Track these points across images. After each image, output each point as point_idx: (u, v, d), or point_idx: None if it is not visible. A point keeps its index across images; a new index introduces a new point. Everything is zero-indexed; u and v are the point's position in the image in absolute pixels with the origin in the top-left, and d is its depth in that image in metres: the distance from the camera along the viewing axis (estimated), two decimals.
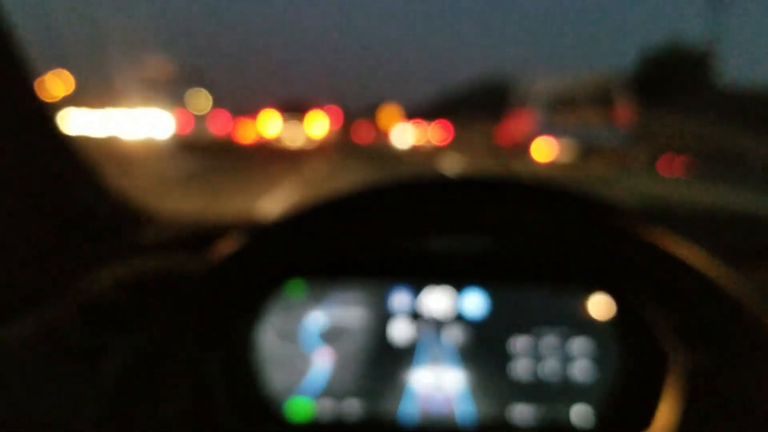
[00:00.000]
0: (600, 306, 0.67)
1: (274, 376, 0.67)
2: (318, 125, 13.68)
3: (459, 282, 0.68)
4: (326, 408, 0.67)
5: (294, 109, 14.14)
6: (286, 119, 13.64)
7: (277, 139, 13.67)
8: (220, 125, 14.33)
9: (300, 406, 0.67)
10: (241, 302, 0.34)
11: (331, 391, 0.67)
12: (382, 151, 13.53)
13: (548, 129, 10.35)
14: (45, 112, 0.67)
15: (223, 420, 0.58)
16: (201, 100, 14.78)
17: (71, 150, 0.71)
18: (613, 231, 0.34)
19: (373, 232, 0.35)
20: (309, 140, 13.41)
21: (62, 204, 0.69)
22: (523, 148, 10.95)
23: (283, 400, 0.66)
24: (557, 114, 10.65)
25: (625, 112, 10.52)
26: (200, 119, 14.02)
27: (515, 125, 11.86)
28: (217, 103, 15.57)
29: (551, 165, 10.05)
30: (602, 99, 11.33)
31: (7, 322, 0.59)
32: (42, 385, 0.57)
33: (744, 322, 0.33)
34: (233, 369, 0.64)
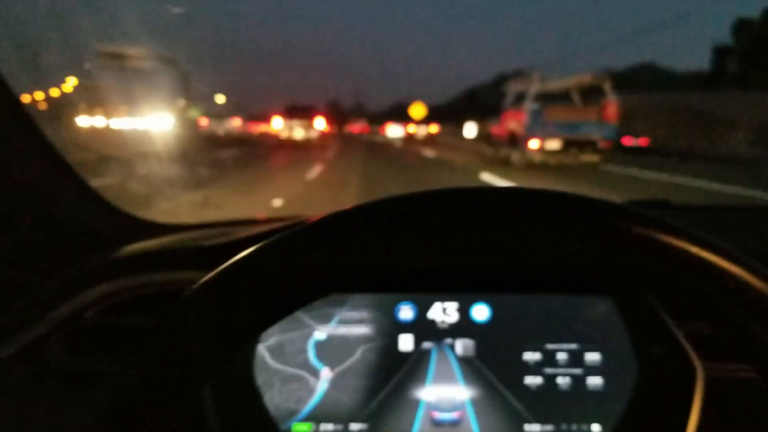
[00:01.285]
0: (613, 317, 0.65)
1: (275, 400, 0.64)
2: (317, 123, 18.69)
3: (467, 295, 0.66)
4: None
5: (299, 112, 18.77)
6: (292, 120, 18.61)
7: (287, 134, 19.19)
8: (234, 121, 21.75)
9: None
10: (241, 325, 0.31)
11: (336, 415, 0.64)
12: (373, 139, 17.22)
13: (538, 129, 10.05)
14: (31, 125, 0.64)
15: None
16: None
17: (60, 164, 0.68)
18: (624, 236, 0.31)
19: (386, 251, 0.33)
20: (310, 135, 18.29)
21: (51, 219, 0.67)
22: (514, 145, 10.79)
23: (285, 426, 0.63)
24: (547, 112, 10.28)
25: (613, 108, 10.13)
26: (216, 116, 20.38)
27: (506, 125, 11.38)
28: (232, 109, 22.96)
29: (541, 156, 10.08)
30: (591, 96, 11.21)
31: None
32: (26, 407, 0.54)
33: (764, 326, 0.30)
34: (231, 393, 0.61)
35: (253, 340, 0.60)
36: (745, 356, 0.32)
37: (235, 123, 20.80)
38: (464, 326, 0.65)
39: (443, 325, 0.65)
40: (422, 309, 0.66)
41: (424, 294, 0.66)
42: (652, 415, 0.61)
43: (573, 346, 0.65)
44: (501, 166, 10.64)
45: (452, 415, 0.64)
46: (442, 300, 0.66)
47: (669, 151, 13.95)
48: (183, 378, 0.30)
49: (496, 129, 12.18)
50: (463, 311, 0.66)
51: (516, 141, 10.48)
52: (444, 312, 0.66)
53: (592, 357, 0.64)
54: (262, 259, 0.31)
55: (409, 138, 25.25)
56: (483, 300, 0.66)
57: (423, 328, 0.65)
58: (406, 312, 0.66)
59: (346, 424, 0.64)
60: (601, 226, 0.31)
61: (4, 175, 0.62)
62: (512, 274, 0.66)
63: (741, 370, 0.55)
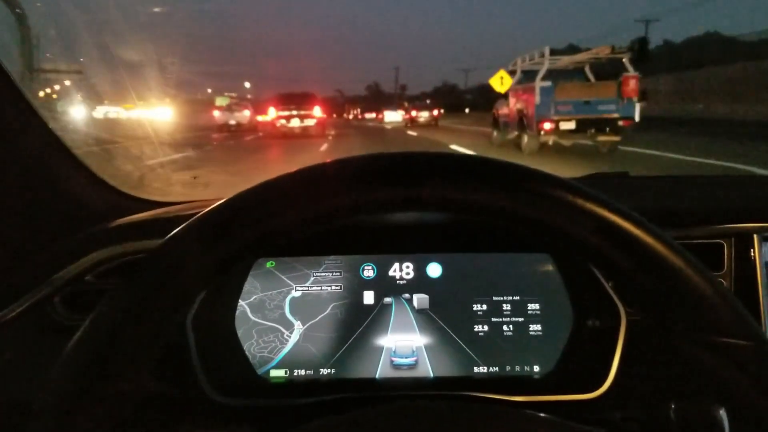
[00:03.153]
0: (551, 271, 0.72)
1: (252, 350, 0.71)
2: (316, 111, 16.62)
3: (421, 255, 0.74)
4: (302, 378, 0.72)
5: (295, 100, 16.71)
6: (287, 108, 16.58)
7: (282, 124, 17.34)
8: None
9: (276, 378, 0.72)
10: (197, 277, 0.35)
11: (306, 362, 0.72)
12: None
13: (550, 108, 8.91)
14: (28, 107, 0.70)
15: (200, 389, 0.64)
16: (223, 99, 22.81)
17: (57, 142, 0.75)
18: (544, 200, 0.35)
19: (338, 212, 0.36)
20: (306, 124, 16.60)
21: (49, 194, 0.74)
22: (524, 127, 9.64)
23: (261, 371, 0.71)
24: (559, 90, 9.05)
25: (633, 84, 8.78)
26: (225, 109, 20.23)
27: (515, 105, 10.20)
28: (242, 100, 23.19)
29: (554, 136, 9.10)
30: (608, 71, 9.87)
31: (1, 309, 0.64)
32: (32, 358, 0.64)
33: (678, 284, 0.34)
34: (214, 342, 0.68)
35: (209, 282, 0.62)
36: (633, 302, 0.40)
37: (245, 114, 20.50)
38: (420, 282, 0.73)
39: (402, 282, 0.73)
40: (382, 268, 0.74)
41: (384, 255, 0.74)
42: (584, 355, 0.69)
43: (516, 297, 0.72)
44: (511, 149, 9.90)
45: (410, 360, 0.72)
46: (400, 261, 0.74)
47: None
48: (157, 310, 0.35)
49: (503, 110, 11.15)
50: (419, 269, 0.74)
51: (526, 122, 9.49)
52: (401, 270, 0.74)
53: (533, 306, 0.72)
54: (202, 224, 0.36)
55: (411, 121, 24.35)
56: (435, 259, 0.74)
57: (383, 285, 0.73)
58: (368, 271, 0.74)
59: (316, 370, 0.72)
60: (513, 187, 0.35)
61: (13, 156, 0.69)
62: (461, 236, 0.73)
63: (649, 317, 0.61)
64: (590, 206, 0.34)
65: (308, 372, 0.72)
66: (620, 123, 8.92)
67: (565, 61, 10.00)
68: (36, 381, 0.52)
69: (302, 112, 16.44)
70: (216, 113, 20.13)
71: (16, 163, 0.69)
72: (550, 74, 9.46)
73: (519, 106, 9.98)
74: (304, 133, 16.25)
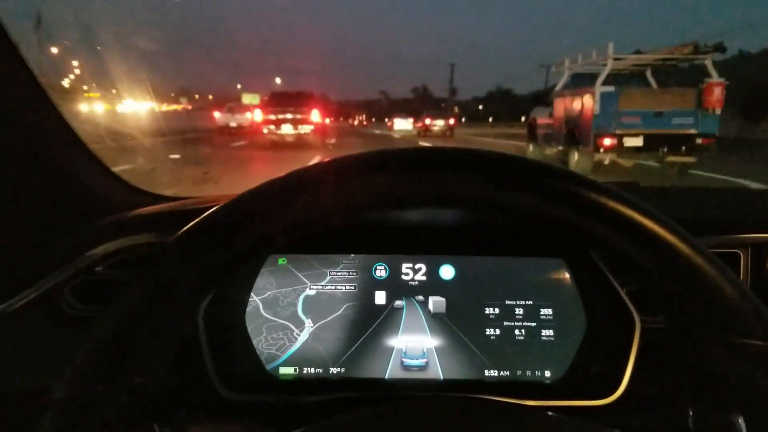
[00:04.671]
0: (564, 276, 0.72)
1: (260, 346, 0.71)
2: (314, 116, 12.79)
3: (434, 257, 0.73)
4: (312, 376, 0.71)
5: (288, 101, 13.02)
6: (279, 112, 12.73)
7: (271, 130, 13.49)
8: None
9: (285, 375, 0.71)
10: (216, 269, 0.35)
11: (314, 361, 0.71)
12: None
13: (612, 119, 7.07)
14: (43, 97, 0.70)
15: (211, 384, 0.64)
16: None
17: (72, 135, 0.75)
18: (565, 199, 0.35)
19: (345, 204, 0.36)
20: (301, 131, 12.75)
21: (62, 186, 0.74)
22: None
23: (269, 368, 0.71)
24: (626, 98, 7.15)
25: (719, 92, 6.90)
26: (226, 110, 18.88)
27: (562, 114, 8.38)
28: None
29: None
30: (675, 78, 8.23)
31: (9, 298, 0.64)
32: (41, 347, 0.64)
33: (704, 286, 0.34)
34: (224, 336, 0.68)
35: (222, 278, 0.61)
36: (656, 307, 0.37)
37: (247, 116, 19.44)
38: (433, 284, 0.73)
39: (414, 283, 0.73)
40: (395, 268, 0.73)
41: (397, 255, 0.73)
42: (596, 362, 0.68)
43: (529, 302, 0.72)
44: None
45: (420, 361, 0.71)
46: (413, 261, 0.73)
47: None
48: (168, 307, 0.34)
49: (542, 119, 9.31)
50: (432, 271, 0.73)
51: (578, 136, 7.71)
52: (414, 271, 0.73)
53: (546, 311, 0.71)
54: (215, 220, 0.35)
55: (425, 130, 22.47)
56: (448, 261, 0.73)
57: (396, 285, 0.72)
58: (381, 271, 0.73)
59: (326, 368, 0.71)
60: (532, 183, 0.35)
61: (16, 142, 0.68)
62: (475, 239, 0.73)
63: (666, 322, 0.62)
64: (619, 207, 0.35)
65: (318, 370, 0.71)
66: (699, 141, 7.08)
67: (630, 61, 8.11)
68: (45, 370, 0.55)
69: (296, 117, 12.53)
70: (216, 114, 19.18)
71: (31, 155, 0.70)
72: (606, 79, 7.68)
73: (568, 115, 8.17)
74: (299, 142, 12.55)
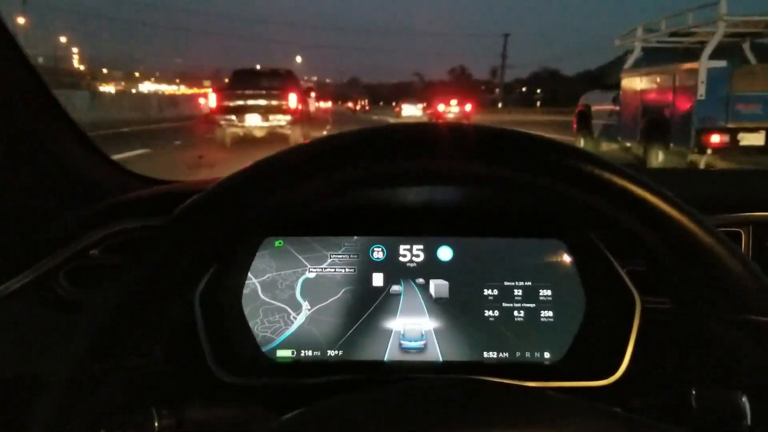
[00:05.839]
0: (564, 258, 0.71)
1: (255, 329, 0.71)
2: (291, 100, 9.49)
3: (432, 238, 0.73)
4: (309, 359, 0.71)
5: (256, 82, 10.09)
6: (242, 96, 9.57)
7: (230, 121, 9.75)
8: None
9: (283, 358, 0.71)
10: (211, 249, 0.35)
11: (311, 344, 0.71)
12: None
13: (721, 107, 5.22)
14: (37, 79, 0.70)
15: (208, 367, 0.64)
16: None
17: (66, 120, 0.75)
18: (570, 173, 0.35)
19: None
20: (273, 122, 9.50)
21: (56, 170, 0.74)
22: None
23: (265, 349, 0.71)
24: (742, 78, 5.27)
25: None
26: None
27: (637, 99, 6.39)
28: None
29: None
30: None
31: (2, 282, 0.63)
32: (36, 330, 0.64)
33: (712, 263, 0.34)
34: (220, 318, 0.68)
35: (217, 258, 0.61)
36: (662, 286, 0.38)
37: None
38: (431, 265, 0.72)
39: (411, 265, 0.72)
40: (392, 250, 0.72)
41: (394, 237, 0.73)
42: (596, 343, 0.68)
43: (528, 283, 0.72)
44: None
45: (419, 344, 0.71)
46: (411, 243, 0.73)
47: None
48: (165, 286, 0.34)
49: (601, 106, 7.27)
50: (430, 252, 0.73)
51: (665, 129, 5.85)
52: (412, 253, 0.72)
53: (545, 292, 0.71)
54: (219, 193, 0.36)
55: (437, 118, 19.60)
56: (446, 243, 0.73)
57: (393, 267, 0.72)
58: (378, 253, 0.72)
59: (323, 351, 0.71)
60: (545, 161, 0.35)
61: (11, 126, 0.68)
62: (474, 220, 0.73)
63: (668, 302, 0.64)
64: (627, 184, 0.34)
65: (315, 353, 0.71)
66: None
67: (748, 26, 5.88)
68: (40, 355, 0.57)
69: (267, 103, 9.26)
70: (202, 101, 16.70)
71: (23, 139, 0.70)
72: (686, 54, 5.88)
73: (646, 101, 6.27)
74: (269, 137, 9.40)
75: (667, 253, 0.35)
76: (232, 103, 9.22)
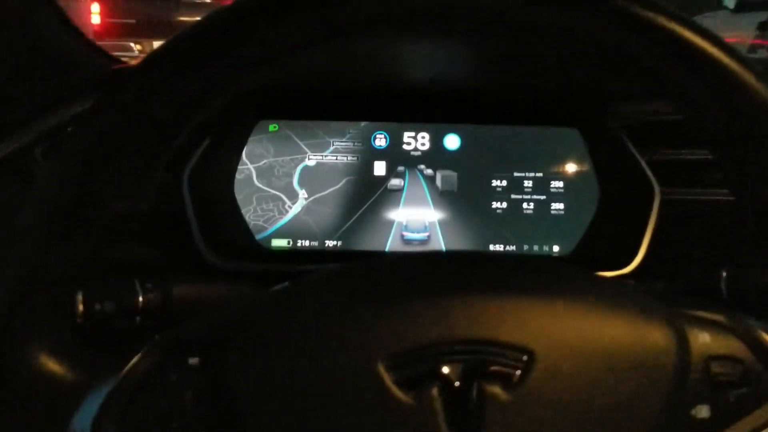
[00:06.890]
0: (578, 147, 0.68)
1: (247, 216, 0.67)
2: None
3: (439, 125, 0.69)
4: (306, 249, 0.68)
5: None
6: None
7: None
8: None
9: (278, 248, 0.68)
10: (181, 95, 0.31)
11: (307, 233, 0.68)
12: None
13: None
14: None
15: (198, 252, 0.61)
16: None
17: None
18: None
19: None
20: None
21: (28, 41, 0.68)
22: None
23: (259, 239, 0.68)
24: None
25: None
26: None
27: None
28: None
29: None
30: None
31: None
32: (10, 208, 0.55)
33: (757, 119, 0.30)
34: (211, 203, 0.65)
35: (220, 155, 0.62)
36: (699, 140, 0.35)
37: None
38: (436, 154, 0.68)
39: (416, 153, 0.69)
40: (396, 137, 0.68)
41: (398, 123, 0.69)
42: (609, 235, 0.66)
43: (539, 174, 0.68)
44: None
45: (422, 235, 0.68)
46: (416, 130, 0.69)
47: None
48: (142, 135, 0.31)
49: None
50: (436, 140, 0.69)
51: None
52: (416, 140, 0.68)
53: (556, 184, 0.68)
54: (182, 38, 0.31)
55: None
56: (454, 131, 0.69)
57: (396, 155, 0.68)
58: (380, 140, 0.68)
59: (321, 241, 0.68)
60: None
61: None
62: (483, 106, 0.69)
63: (691, 193, 0.61)
64: (675, 26, 0.29)
65: (313, 243, 0.68)
66: None
67: None
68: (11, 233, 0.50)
69: None
70: None
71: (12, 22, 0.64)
72: None
73: None
74: None
75: (714, 107, 0.31)
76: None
